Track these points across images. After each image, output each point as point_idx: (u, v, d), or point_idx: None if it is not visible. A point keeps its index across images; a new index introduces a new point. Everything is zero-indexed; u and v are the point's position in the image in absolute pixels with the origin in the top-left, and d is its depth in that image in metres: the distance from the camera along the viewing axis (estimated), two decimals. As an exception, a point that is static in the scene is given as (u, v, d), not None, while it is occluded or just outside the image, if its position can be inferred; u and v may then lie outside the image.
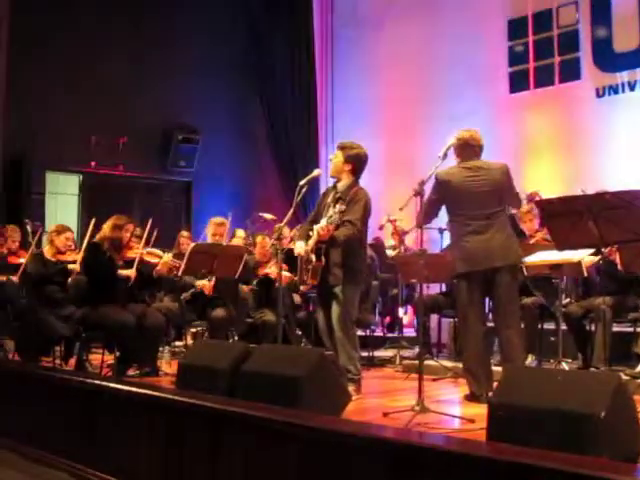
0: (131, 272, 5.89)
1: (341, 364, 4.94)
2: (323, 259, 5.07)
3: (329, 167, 5.45)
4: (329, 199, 5.29)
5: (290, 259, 6.12)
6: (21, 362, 6.26)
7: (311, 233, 5.20)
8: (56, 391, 4.75)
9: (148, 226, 6.24)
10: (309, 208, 8.71)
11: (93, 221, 6.49)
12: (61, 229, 6.64)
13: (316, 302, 5.59)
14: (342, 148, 5.27)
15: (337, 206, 5.04)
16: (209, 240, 6.67)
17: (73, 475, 4.26)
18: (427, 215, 4.97)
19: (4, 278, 7.00)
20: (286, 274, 6.43)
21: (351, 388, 4.83)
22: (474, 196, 4.89)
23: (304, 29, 12.38)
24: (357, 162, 5.25)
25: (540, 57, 9.68)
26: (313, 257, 5.12)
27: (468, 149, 4.98)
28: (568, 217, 4.40)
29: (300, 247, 5.24)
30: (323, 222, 5.03)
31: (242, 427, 3.38)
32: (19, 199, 10.07)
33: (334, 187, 5.32)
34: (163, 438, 3.80)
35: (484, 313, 5.15)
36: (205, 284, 6.30)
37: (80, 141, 10.43)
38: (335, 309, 5.09)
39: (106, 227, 6.03)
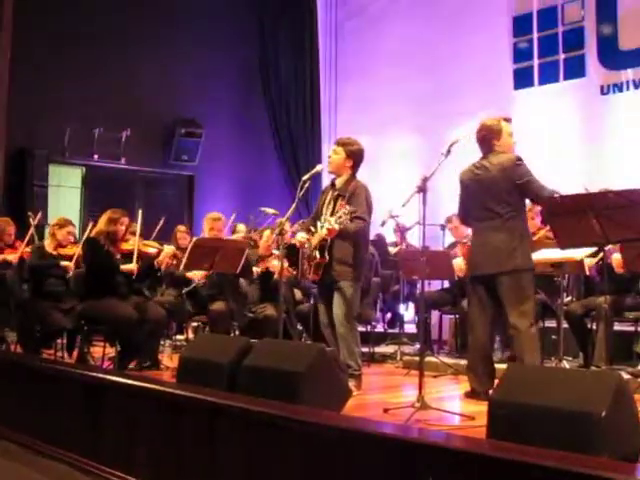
0: (133, 266, 5.89)
1: (342, 359, 4.93)
2: (327, 256, 5.06)
3: (328, 163, 5.39)
4: (328, 197, 5.28)
5: (291, 254, 6.10)
6: (23, 354, 6.27)
7: (312, 228, 5.19)
8: (57, 383, 4.75)
9: (139, 218, 6.09)
10: (311, 203, 8.70)
11: (91, 225, 6.44)
12: (63, 223, 6.64)
13: (317, 297, 5.57)
14: (343, 144, 5.26)
15: (347, 207, 4.90)
16: (206, 236, 6.63)
17: (73, 467, 4.26)
18: (460, 216, 5.21)
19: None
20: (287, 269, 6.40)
21: (352, 384, 4.83)
22: (476, 196, 4.87)
23: (309, 23, 12.37)
24: (358, 158, 5.27)
25: (545, 54, 9.68)
26: (317, 254, 5.09)
27: (484, 144, 4.90)
28: (571, 215, 4.39)
29: (302, 237, 5.23)
30: (332, 221, 4.92)
31: (242, 422, 3.38)
32: (22, 191, 10.06)
33: (332, 185, 5.31)
34: (163, 431, 3.81)
35: (492, 313, 4.88)
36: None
37: (83, 134, 10.44)
38: (337, 304, 5.09)
39: (101, 221, 6.03)
